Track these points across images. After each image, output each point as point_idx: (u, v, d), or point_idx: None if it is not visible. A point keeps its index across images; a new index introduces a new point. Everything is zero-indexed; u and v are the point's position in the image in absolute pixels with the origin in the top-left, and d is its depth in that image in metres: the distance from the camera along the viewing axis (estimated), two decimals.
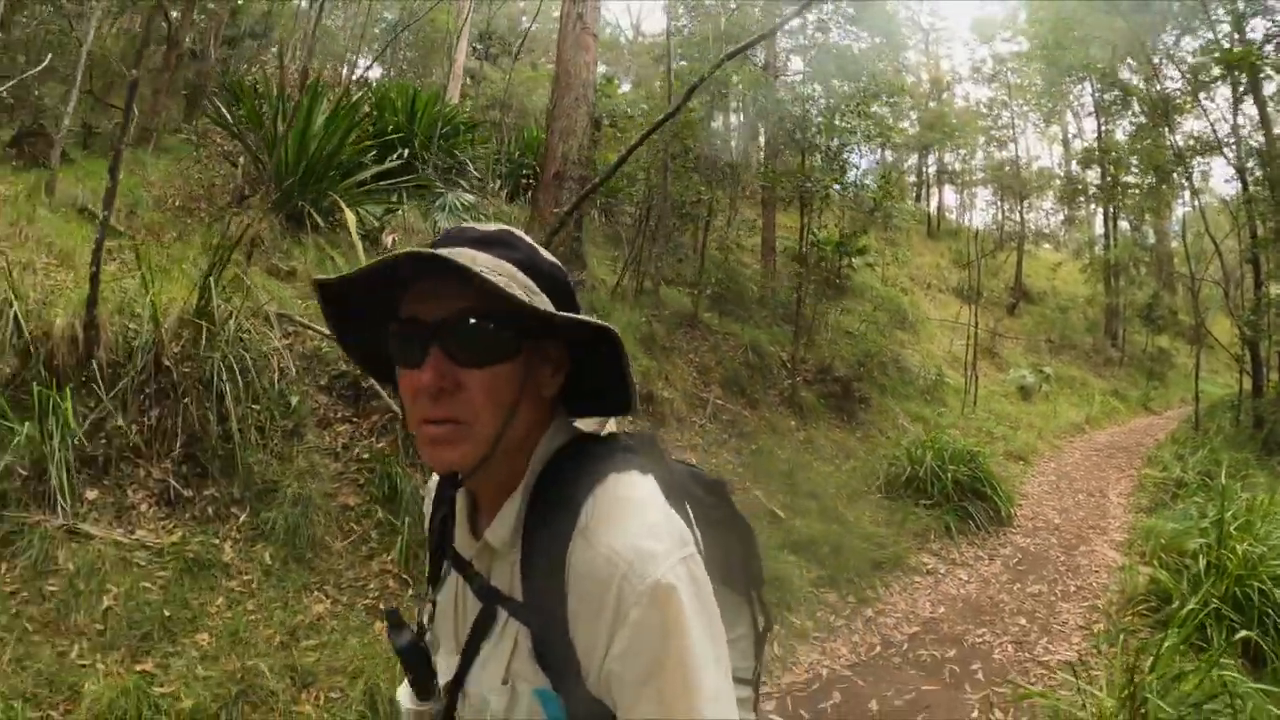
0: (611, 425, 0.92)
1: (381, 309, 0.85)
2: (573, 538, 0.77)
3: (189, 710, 2.64)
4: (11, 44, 8.71)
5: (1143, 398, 17.40)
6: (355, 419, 4.48)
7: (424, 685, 0.95)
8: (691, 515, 0.87)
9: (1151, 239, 24.63)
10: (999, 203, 28.53)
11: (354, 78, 13.29)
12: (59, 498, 3.31)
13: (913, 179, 27.78)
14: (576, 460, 0.84)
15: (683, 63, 11.73)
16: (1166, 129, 13.61)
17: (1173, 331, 21.43)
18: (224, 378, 3.80)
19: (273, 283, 5.17)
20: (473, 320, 0.79)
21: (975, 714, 3.48)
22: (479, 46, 17.99)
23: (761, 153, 16.60)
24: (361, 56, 15.93)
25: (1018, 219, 25.98)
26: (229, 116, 7.27)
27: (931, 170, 29.16)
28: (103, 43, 11.40)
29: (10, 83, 6.81)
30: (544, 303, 0.81)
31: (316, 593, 3.48)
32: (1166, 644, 3.10)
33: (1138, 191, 21.06)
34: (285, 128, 5.99)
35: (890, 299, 13.59)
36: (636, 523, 0.77)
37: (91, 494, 3.50)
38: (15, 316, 3.65)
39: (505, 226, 0.88)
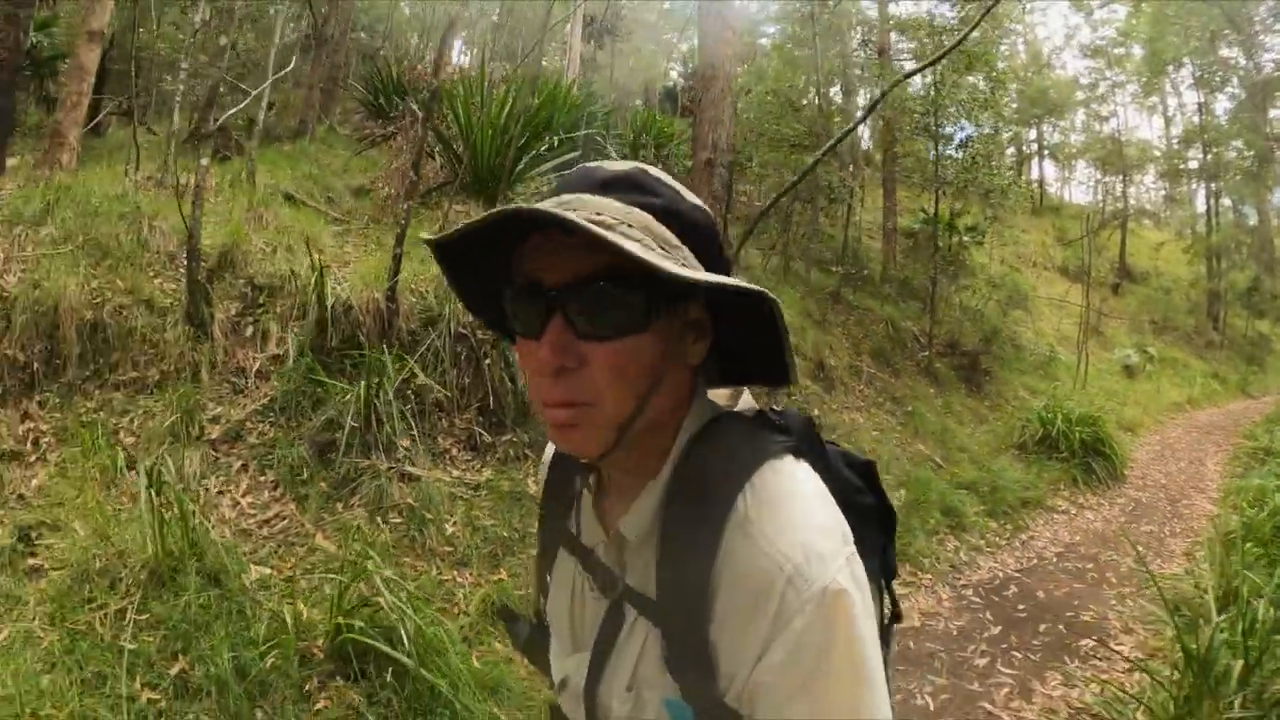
0: (748, 397, 0.84)
1: (506, 266, 0.77)
2: (726, 531, 0.69)
3: None
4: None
5: (1241, 382, 18.29)
6: None
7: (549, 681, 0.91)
8: (842, 500, 0.77)
9: (1254, 220, 24.91)
10: (1102, 179, 29.06)
11: (516, 69, 14.87)
12: (386, 445, 3.97)
13: (1012, 152, 28.33)
14: (726, 442, 0.76)
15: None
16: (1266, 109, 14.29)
17: (1273, 316, 22.02)
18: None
19: None
20: (600, 284, 0.68)
21: (1113, 600, 5.06)
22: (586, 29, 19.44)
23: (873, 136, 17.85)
24: (470, 45, 17.33)
25: (1120, 195, 26.60)
26: (416, 110, 7.93)
27: (1032, 146, 29.62)
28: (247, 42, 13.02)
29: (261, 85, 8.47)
30: (686, 256, 0.72)
31: None
32: (1248, 545, 4.66)
33: (1239, 172, 21.54)
34: (479, 120, 7.18)
35: (1005, 277, 14.88)
36: (802, 518, 0.70)
37: (405, 442, 4.12)
38: (319, 292, 4.41)
39: (639, 164, 0.77)
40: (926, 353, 10.10)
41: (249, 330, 4.46)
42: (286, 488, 3.78)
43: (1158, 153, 27.19)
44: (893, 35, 14.29)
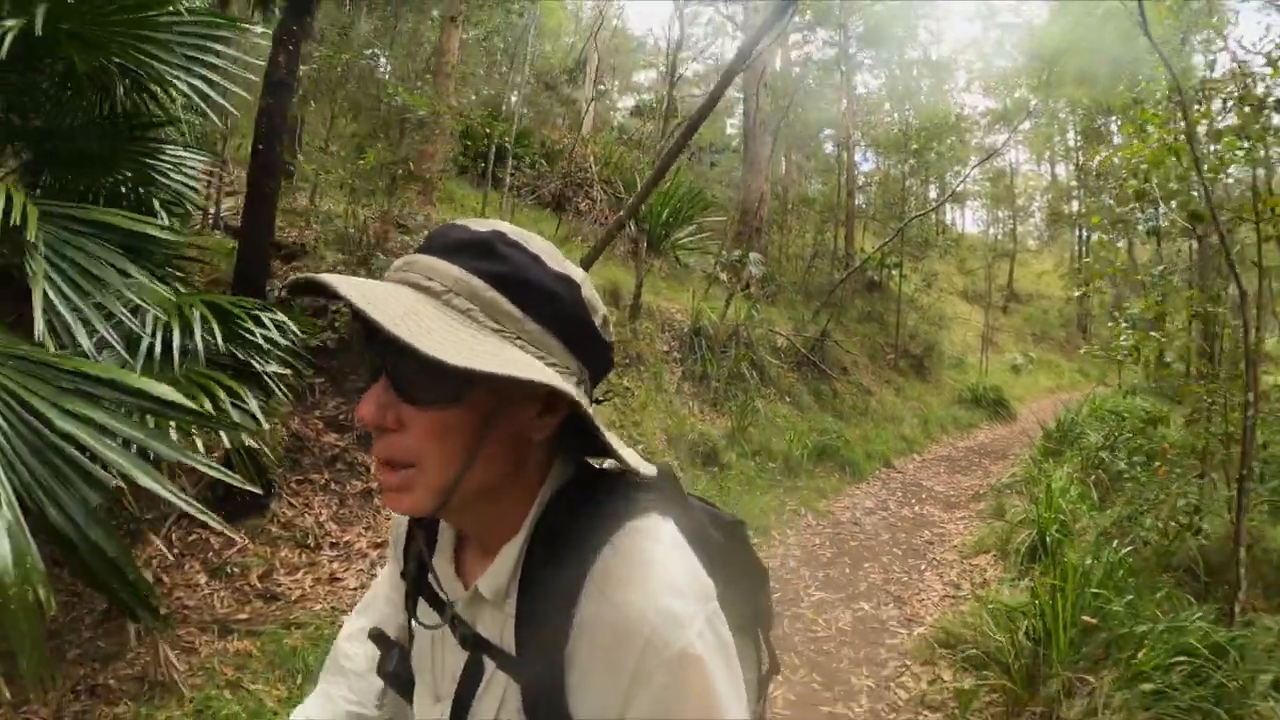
0: (630, 453, 0.80)
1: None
2: (584, 592, 0.73)
3: None
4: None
5: (1100, 375, 25.82)
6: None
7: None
8: (706, 556, 0.81)
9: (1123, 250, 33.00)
10: (995, 216, 37.06)
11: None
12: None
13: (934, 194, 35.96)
14: (585, 503, 0.79)
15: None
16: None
17: None
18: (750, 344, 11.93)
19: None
20: (404, 354, 0.66)
21: (990, 473, 11.77)
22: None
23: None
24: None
25: (1010, 230, 34.56)
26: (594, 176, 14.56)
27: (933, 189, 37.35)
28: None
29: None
30: (525, 329, 0.73)
31: None
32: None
33: (1108, 217, 29.41)
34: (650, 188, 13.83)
35: (932, 305, 21.94)
36: (659, 579, 0.73)
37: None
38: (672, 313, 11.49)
39: (499, 227, 0.77)
40: (892, 356, 16.93)
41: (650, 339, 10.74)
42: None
43: (1043, 197, 35.36)
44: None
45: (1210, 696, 3.17)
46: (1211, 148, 4.77)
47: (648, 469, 0.80)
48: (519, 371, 0.66)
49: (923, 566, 6.06)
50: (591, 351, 0.79)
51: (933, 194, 25.19)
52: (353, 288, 0.66)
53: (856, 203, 20.24)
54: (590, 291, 0.79)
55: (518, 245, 0.75)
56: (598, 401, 0.85)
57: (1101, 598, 3.77)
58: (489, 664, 0.81)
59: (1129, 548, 4.56)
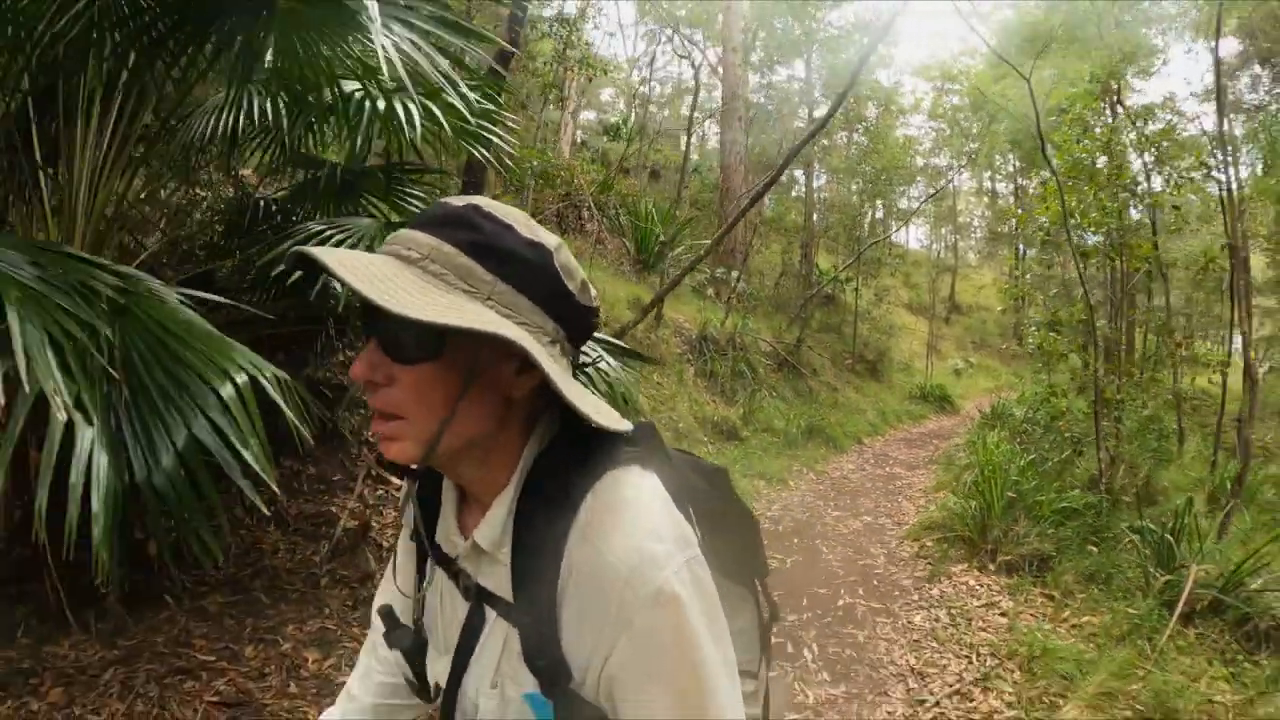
0: (593, 408, 0.84)
1: None
2: (569, 538, 0.79)
3: None
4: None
5: (1034, 378, 29.06)
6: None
7: (423, 687, 1.01)
8: (692, 510, 0.89)
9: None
10: (938, 234, 40.29)
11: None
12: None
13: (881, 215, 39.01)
14: (570, 455, 0.85)
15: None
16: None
17: (1065, 336, 33.30)
18: (744, 348, 14.46)
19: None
20: (386, 314, 0.73)
21: (939, 448, 14.45)
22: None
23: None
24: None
25: (952, 245, 37.80)
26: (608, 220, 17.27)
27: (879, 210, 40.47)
28: None
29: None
30: (496, 290, 0.79)
31: None
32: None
33: (1040, 237, 32.75)
34: (645, 223, 16.38)
35: (883, 317, 24.76)
36: (638, 524, 0.79)
37: None
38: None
39: (475, 201, 0.84)
40: (850, 360, 19.63)
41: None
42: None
43: (983, 215, 38.68)
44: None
45: (1084, 528, 5.79)
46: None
47: (618, 424, 0.84)
48: (474, 324, 0.72)
49: (900, 499, 8.65)
50: (567, 313, 0.85)
51: (879, 214, 28.13)
52: (335, 259, 0.74)
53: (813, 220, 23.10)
54: (566, 258, 0.85)
55: (491, 216, 0.82)
56: (583, 366, 1.28)
57: (1019, 484, 6.36)
58: (490, 613, 0.88)
59: (1035, 459, 7.23)
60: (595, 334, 3.25)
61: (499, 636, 0.86)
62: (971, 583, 5.57)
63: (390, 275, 0.76)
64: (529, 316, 0.81)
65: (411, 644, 0.99)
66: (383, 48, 2.68)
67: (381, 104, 3.62)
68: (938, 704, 3.89)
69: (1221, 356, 9.33)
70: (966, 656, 4.44)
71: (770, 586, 1.13)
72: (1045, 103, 9.74)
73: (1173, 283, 12.49)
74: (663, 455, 0.91)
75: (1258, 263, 17.55)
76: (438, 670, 0.96)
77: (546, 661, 0.79)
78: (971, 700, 3.92)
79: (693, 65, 19.64)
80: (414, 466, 0.88)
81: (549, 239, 0.85)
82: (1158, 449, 9.07)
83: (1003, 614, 4.99)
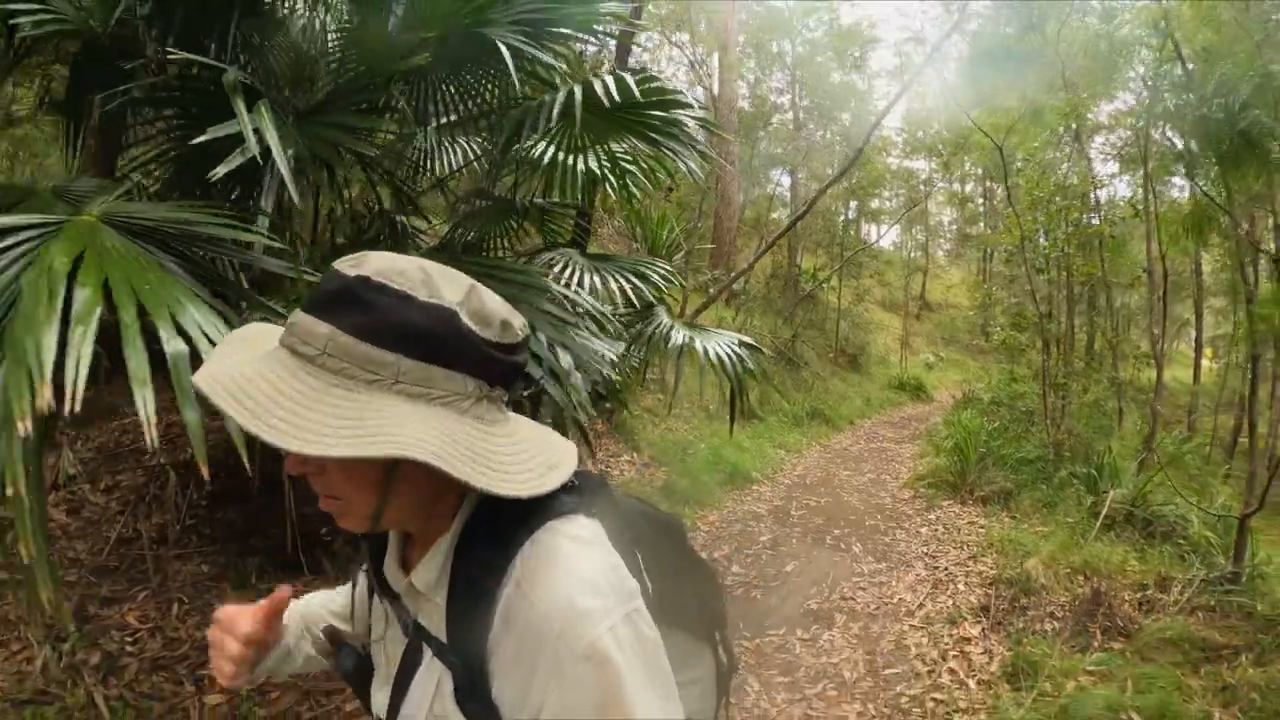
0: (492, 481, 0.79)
1: None
2: (504, 586, 0.80)
3: None
4: None
5: (1000, 372, 31.64)
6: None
7: (368, 710, 1.02)
8: (642, 559, 0.89)
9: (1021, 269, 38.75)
10: (910, 234, 42.59)
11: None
12: None
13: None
14: (509, 505, 0.81)
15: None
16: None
17: (1030, 332, 35.51)
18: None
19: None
20: None
21: (919, 429, 16.81)
22: None
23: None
24: None
25: (923, 245, 40.24)
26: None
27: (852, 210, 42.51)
28: None
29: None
30: (402, 369, 0.78)
31: None
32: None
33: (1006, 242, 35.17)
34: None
35: (861, 315, 27.13)
36: (573, 576, 0.78)
37: None
38: None
39: (363, 269, 0.80)
40: (833, 354, 21.95)
41: None
42: None
43: (953, 217, 41.14)
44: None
45: (1036, 473, 8.15)
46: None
47: (536, 487, 0.81)
48: (364, 452, 0.72)
49: (894, 463, 10.96)
50: (486, 364, 0.83)
51: (852, 213, 30.39)
52: (221, 384, 0.75)
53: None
54: (477, 304, 0.82)
55: (383, 288, 0.78)
56: (521, 400, 1.12)
57: (987, 443, 8.73)
58: (427, 650, 0.89)
59: (999, 427, 9.62)
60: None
61: (433, 675, 0.88)
62: (957, 510, 7.90)
63: (282, 389, 0.76)
64: (444, 386, 0.80)
65: (355, 667, 1.06)
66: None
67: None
68: (947, 570, 6.15)
69: (1147, 351, 11.72)
70: (960, 546, 6.72)
71: (728, 638, 1.16)
72: (1014, 152, 12.07)
73: (1115, 290, 15.05)
74: (608, 503, 0.92)
75: (1209, 265, 20.03)
76: (378, 701, 0.99)
77: (476, 705, 0.81)
78: (967, 567, 6.18)
79: (702, 81, 21.82)
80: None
81: (452, 294, 0.81)
82: (1103, 424, 11.49)
83: (981, 527, 7.28)
